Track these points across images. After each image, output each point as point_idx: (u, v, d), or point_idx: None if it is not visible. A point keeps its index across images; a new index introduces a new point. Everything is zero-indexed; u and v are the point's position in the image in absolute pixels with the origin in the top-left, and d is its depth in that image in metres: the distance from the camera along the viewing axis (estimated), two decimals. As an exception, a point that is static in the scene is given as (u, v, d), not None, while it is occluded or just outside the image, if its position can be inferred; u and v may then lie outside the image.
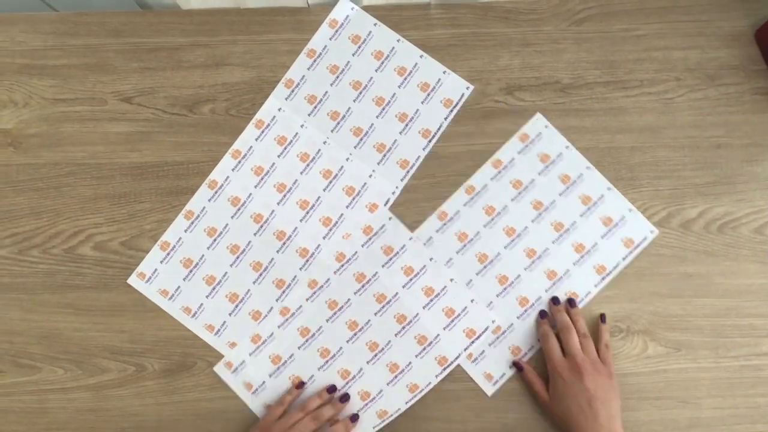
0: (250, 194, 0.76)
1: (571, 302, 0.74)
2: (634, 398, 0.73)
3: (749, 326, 0.74)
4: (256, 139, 0.77)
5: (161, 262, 0.75)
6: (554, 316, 0.74)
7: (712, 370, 0.74)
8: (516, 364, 0.73)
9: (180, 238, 0.75)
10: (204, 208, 0.76)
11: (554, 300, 0.75)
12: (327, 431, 0.71)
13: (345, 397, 0.73)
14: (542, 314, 0.74)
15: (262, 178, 0.77)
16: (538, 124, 0.76)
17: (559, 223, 0.75)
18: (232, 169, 0.77)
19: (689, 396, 0.73)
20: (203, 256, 0.76)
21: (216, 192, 0.76)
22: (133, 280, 0.75)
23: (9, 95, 0.77)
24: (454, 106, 0.77)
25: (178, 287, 0.75)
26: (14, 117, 0.77)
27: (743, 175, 0.76)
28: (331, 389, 0.74)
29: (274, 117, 0.77)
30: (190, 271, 0.75)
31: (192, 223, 0.76)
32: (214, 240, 0.76)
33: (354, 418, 0.73)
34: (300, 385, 0.74)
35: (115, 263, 0.76)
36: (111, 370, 0.74)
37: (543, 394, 0.71)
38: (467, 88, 0.77)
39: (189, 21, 0.78)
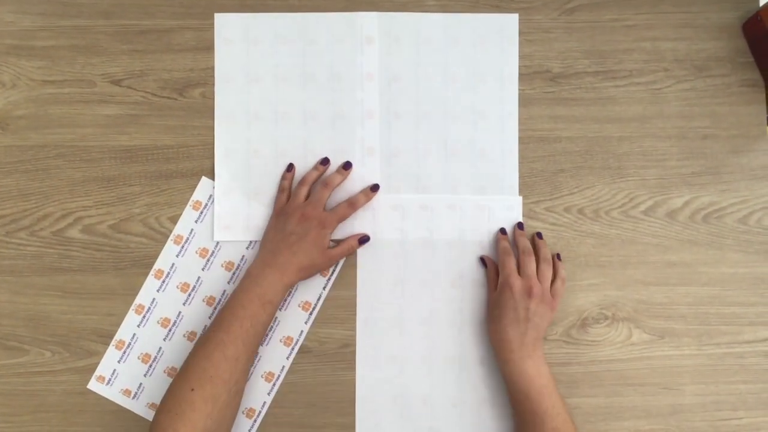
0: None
1: (539, 235, 0.76)
2: (618, 384, 0.74)
3: (732, 314, 0.75)
4: None
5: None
6: (516, 240, 0.76)
7: (695, 357, 0.75)
8: (483, 259, 0.76)
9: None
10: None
11: (519, 225, 0.76)
12: (349, 200, 0.74)
13: (348, 165, 0.76)
14: (503, 231, 0.76)
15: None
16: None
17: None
18: None
19: (672, 382, 0.75)
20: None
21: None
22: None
23: (-3, 76, 0.77)
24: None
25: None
26: (2, 98, 0.76)
27: (728, 165, 0.77)
28: (325, 161, 0.76)
29: None
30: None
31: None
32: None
33: (374, 187, 0.76)
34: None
35: (103, 246, 0.75)
36: (99, 353, 0.74)
37: (492, 287, 0.74)
38: None
39: (179, 3, 0.78)
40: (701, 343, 0.75)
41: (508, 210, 0.77)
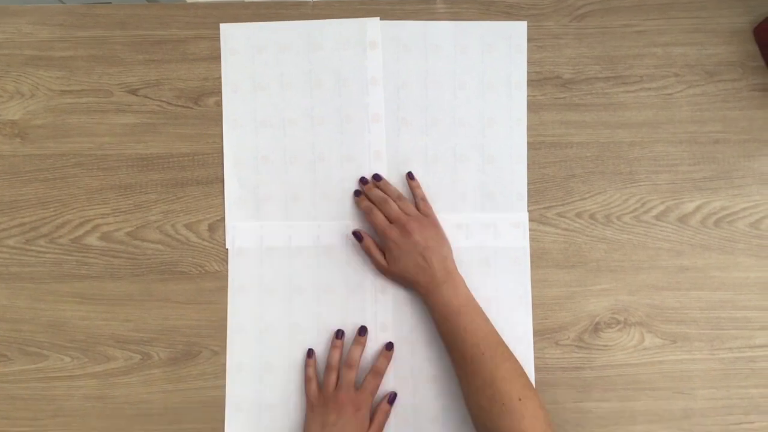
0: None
1: (376, 177, 0.77)
2: (630, 388, 0.75)
3: (744, 319, 0.76)
4: None
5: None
6: (368, 194, 0.77)
7: (706, 361, 0.75)
8: (355, 234, 0.76)
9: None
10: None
11: (362, 180, 0.77)
12: (373, 370, 0.74)
13: (363, 330, 0.75)
14: (357, 193, 0.77)
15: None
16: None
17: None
18: None
19: (684, 387, 0.75)
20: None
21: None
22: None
23: (16, 86, 0.78)
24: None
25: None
26: (21, 108, 0.78)
27: (740, 170, 0.77)
28: (339, 334, 0.76)
29: None
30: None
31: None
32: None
33: (389, 346, 0.75)
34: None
35: (120, 253, 0.77)
36: (117, 359, 0.75)
37: (381, 260, 0.75)
38: None
39: (194, 14, 0.79)
40: (713, 348, 0.75)
41: (515, 227, 0.77)
